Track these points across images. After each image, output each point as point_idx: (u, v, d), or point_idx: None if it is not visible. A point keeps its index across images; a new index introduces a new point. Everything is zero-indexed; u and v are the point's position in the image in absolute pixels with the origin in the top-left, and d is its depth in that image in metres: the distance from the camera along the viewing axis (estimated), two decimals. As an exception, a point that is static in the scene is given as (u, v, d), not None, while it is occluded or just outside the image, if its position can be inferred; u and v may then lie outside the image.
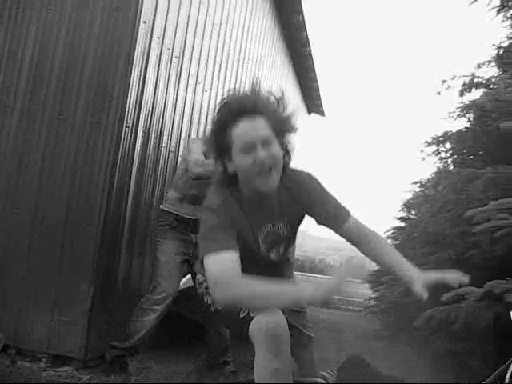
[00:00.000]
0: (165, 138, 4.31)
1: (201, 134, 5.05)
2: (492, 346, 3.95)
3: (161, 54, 4.07)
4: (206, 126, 5.16)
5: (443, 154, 6.28)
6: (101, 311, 3.61)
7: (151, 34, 3.87)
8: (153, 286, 3.58)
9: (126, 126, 3.68)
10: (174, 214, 3.68)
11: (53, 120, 3.73)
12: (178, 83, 4.45)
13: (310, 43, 9.39)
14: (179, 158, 4.60)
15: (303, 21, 8.58)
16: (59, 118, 3.72)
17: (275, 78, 8.50)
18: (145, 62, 3.82)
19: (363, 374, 2.55)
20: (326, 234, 2.68)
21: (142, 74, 3.80)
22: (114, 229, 3.70)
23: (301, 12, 8.36)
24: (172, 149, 4.46)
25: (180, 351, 4.22)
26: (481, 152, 5.37)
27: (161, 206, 3.82)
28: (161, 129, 4.22)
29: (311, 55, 9.87)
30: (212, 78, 5.29)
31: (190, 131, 4.79)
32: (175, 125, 4.48)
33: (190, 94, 4.74)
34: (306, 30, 8.89)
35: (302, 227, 2.33)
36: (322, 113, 14.28)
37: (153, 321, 3.50)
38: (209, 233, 2.01)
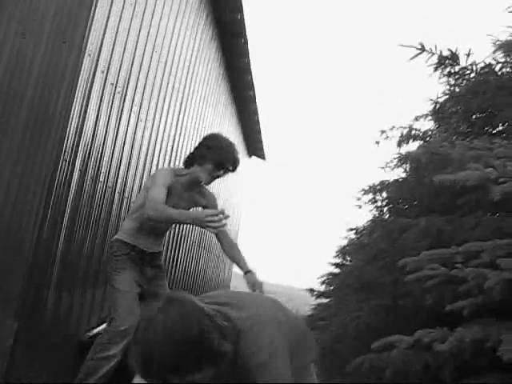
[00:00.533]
0: (102, 174, 4.24)
1: (140, 171, 5.01)
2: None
3: (104, 88, 4.03)
4: (145, 163, 5.12)
5: (379, 203, 6.42)
6: (24, 349, 3.46)
7: (95, 67, 3.84)
8: (111, 318, 3.38)
9: (64, 160, 3.59)
10: (130, 244, 3.55)
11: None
12: (120, 119, 4.41)
13: (255, 87, 9.53)
14: (116, 195, 4.53)
15: (249, 64, 8.71)
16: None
17: (217, 118, 8.55)
18: (87, 95, 3.77)
19: None
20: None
21: (83, 108, 3.75)
22: (43, 266, 3.57)
23: (247, 56, 8.49)
24: (110, 184, 4.39)
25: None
26: (415, 202, 5.51)
27: (115, 236, 3.66)
28: (99, 164, 4.15)
29: (255, 98, 9.99)
30: (154, 116, 5.28)
31: (128, 167, 4.74)
32: (114, 160, 4.42)
33: (131, 130, 4.70)
34: (251, 73, 9.02)
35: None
36: (262, 156, 14.43)
37: (113, 357, 3.26)
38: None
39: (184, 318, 1.66)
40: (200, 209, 3.76)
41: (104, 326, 4.25)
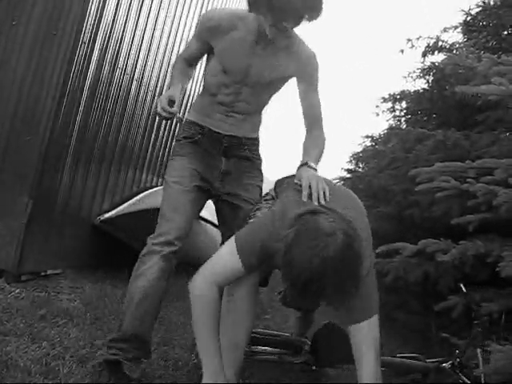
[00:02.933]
0: (121, 60, 4.19)
1: (159, 60, 4.93)
2: (418, 302, 4.11)
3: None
4: (164, 52, 5.04)
5: (398, 112, 6.35)
6: (38, 227, 3.57)
7: None
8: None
9: (83, 42, 3.55)
10: (198, 124, 2.60)
11: (5, 25, 3.57)
12: (141, 6, 4.30)
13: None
14: (134, 82, 4.50)
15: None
16: (12, 24, 3.56)
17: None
18: (109, -24, 3.67)
19: (337, 340, 2.62)
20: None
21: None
22: (59, 145, 3.61)
23: None
24: (128, 71, 4.35)
25: (118, 276, 4.22)
26: (434, 115, 5.45)
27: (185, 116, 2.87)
28: (118, 50, 4.09)
29: None
30: (177, 5, 5.14)
31: (147, 57, 4.66)
32: (133, 48, 4.35)
33: (152, 17, 4.60)
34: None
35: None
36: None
37: (150, 273, 2.33)
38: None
39: (349, 246, 1.69)
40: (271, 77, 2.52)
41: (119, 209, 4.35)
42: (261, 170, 2.71)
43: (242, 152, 2.62)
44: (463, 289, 2.85)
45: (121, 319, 2.39)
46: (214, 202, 2.67)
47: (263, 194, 2.59)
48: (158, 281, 2.34)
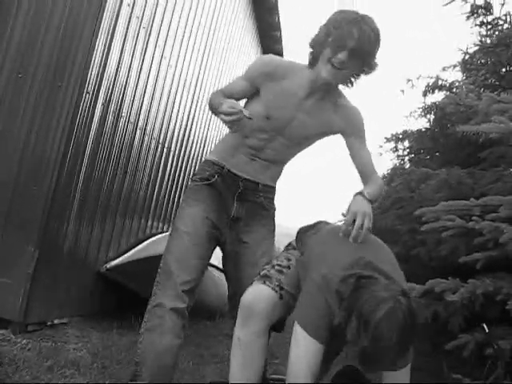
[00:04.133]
0: (125, 109, 4.25)
1: (162, 108, 4.99)
2: (428, 343, 4.06)
3: (129, 22, 3.99)
4: (167, 101, 5.11)
5: (401, 152, 6.40)
6: (44, 276, 3.56)
7: (121, 0, 3.80)
8: (157, 277, 2.43)
9: (87, 92, 3.61)
10: (217, 165, 2.53)
11: (11, 78, 3.64)
12: (144, 54, 4.39)
13: (281, 28, 9.36)
14: (138, 131, 4.55)
15: (276, 3, 8.54)
16: (18, 76, 3.63)
17: (242, 56, 8.46)
18: (112, 28, 3.75)
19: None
20: (280, 220, 2.70)
21: (108, 41, 3.73)
22: (64, 194, 3.63)
23: (275, -4, 8.32)
24: (131, 120, 4.40)
25: (124, 323, 4.19)
26: (437, 153, 5.49)
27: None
28: (122, 99, 4.15)
29: (281, 39, 9.85)
30: (179, 53, 5.23)
31: (151, 105, 4.73)
32: (137, 96, 4.41)
33: (155, 66, 4.68)
34: (278, 13, 8.85)
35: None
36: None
37: (165, 331, 2.30)
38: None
39: (410, 306, 1.73)
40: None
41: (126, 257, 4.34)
42: (274, 219, 2.67)
43: (257, 198, 2.57)
44: (485, 328, 2.81)
45: (136, 369, 2.33)
46: (220, 246, 2.62)
47: (286, 244, 2.57)
48: (174, 338, 2.31)
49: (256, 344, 2.22)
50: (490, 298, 3.02)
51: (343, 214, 2.28)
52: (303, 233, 2.46)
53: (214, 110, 2.42)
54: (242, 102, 2.53)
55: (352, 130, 2.49)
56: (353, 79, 2.41)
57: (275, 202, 2.70)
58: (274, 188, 2.66)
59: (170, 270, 2.35)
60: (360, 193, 2.32)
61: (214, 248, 2.55)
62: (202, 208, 2.46)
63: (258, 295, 2.21)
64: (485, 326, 2.83)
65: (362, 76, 2.41)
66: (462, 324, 3.40)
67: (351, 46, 2.21)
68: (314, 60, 2.35)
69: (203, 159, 2.71)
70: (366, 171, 2.53)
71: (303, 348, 1.97)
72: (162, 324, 2.29)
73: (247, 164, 2.52)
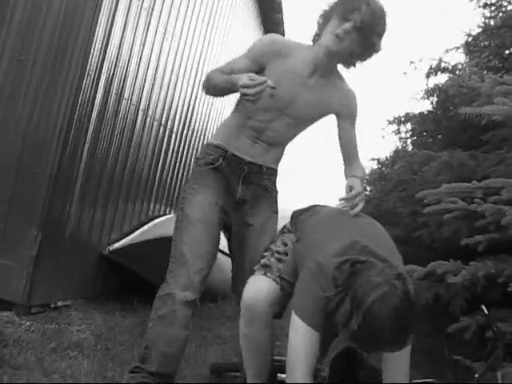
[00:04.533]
0: (127, 91, 4.23)
1: (164, 89, 4.98)
2: (429, 325, 4.07)
3: (130, 4, 3.97)
4: (169, 82, 5.09)
5: (403, 135, 6.38)
6: (47, 259, 3.57)
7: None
8: (169, 265, 2.44)
9: (88, 74, 3.59)
10: (221, 148, 2.52)
11: (12, 61, 3.62)
12: (146, 35, 4.36)
13: (283, 10, 9.30)
14: (140, 113, 4.54)
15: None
16: (20, 60, 3.61)
17: (246, 35, 8.42)
18: (113, 9, 3.72)
19: (356, 365, 2.62)
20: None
21: (109, 22, 3.71)
22: (66, 178, 3.63)
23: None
24: (133, 102, 4.39)
25: (127, 306, 4.22)
26: (439, 136, 5.47)
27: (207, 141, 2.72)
28: (123, 81, 4.13)
29: (283, 22, 9.78)
30: (181, 33, 5.20)
31: (153, 86, 4.71)
32: (139, 78, 4.39)
33: (157, 46, 4.65)
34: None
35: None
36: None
37: (175, 320, 2.34)
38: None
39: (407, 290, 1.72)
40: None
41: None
42: (276, 201, 2.68)
43: (262, 181, 2.57)
44: (485, 310, 2.82)
45: (145, 352, 2.37)
46: (226, 229, 2.63)
47: (281, 227, 2.57)
48: (183, 329, 2.36)
49: (262, 336, 2.32)
50: (492, 280, 3.02)
51: (340, 198, 2.30)
52: (297, 216, 2.47)
53: (216, 87, 2.46)
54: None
55: (347, 112, 2.52)
56: (354, 60, 2.43)
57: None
58: (276, 170, 2.67)
59: (185, 259, 2.36)
60: (354, 176, 2.43)
61: (222, 229, 2.57)
62: (210, 193, 2.46)
63: (260, 291, 2.25)
64: (484, 308, 2.84)
65: (364, 59, 2.43)
66: (464, 306, 3.41)
67: (357, 19, 2.24)
68: (317, 35, 2.39)
69: (205, 143, 2.69)
70: (351, 154, 2.59)
71: (301, 337, 1.99)
72: (173, 315, 2.33)
73: (250, 146, 2.50)
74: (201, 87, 2.63)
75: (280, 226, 2.57)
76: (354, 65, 2.45)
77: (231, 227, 2.59)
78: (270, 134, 2.50)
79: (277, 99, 2.38)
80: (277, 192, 2.68)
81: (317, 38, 2.40)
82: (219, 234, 2.51)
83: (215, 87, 2.47)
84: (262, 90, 2.17)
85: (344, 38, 2.27)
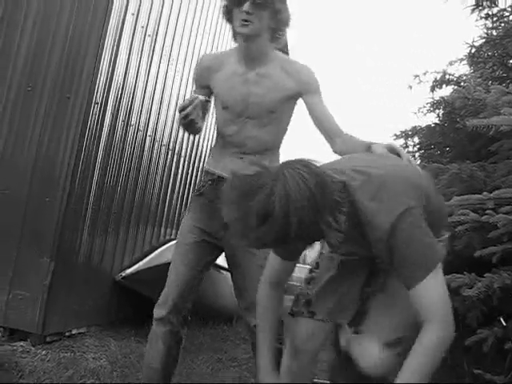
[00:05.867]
0: (134, 117, 4.27)
1: (171, 115, 5.01)
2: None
3: (134, 31, 4.02)
4: (176, 108, 5.12)
5: (411, 148, 6.37)
6: (60, 287, 3.58)
7: (126, 9, 3.82)
8: None
9: (96, 103, 3.63)
10: (210, 172, 2.54)
11: (20, 91, 3.66)
12: (151, 62, 4.40)
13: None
14: (147, 138, 4.57)
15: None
16: (28, 90, 3.65)
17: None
18: (118, 37, 3.77)
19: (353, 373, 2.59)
20: None
21: (115, 51, 3.76)
22: (77, 205, 3.66)
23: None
24: (141, 128, 4.42)
25: (142, 331, 4.20)
26: (447, 148, 5.45)
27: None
28: (130, 107, 4.17)
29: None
30: (185, 59, 5.24)
31: (159, 112, 4.75)
32: (145, 104, 4.43)
33: (162, 73, 4.70)
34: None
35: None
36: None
37: (153, 342, 2.48)
38: None
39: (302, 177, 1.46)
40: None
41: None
42: None
43: None
44: (503, 322, 2.79)
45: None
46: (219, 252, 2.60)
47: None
48: (162, 345, 2.45)
49: (307, 371, 2.24)
50: (508, 291, 2.99)
51: None
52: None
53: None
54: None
55: (306, 88, 2.42)
56: (274, 34, 2.39)
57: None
58: None
59: (167, 282, 2.50)
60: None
61: (215, 254, 2.56)
62: (190, 217, 2.53)
63: (312, 336, 2.14)
64: (502, 320, 2.81)
65: (281, 28, 2.39)
66: (480, 318, 3.37)
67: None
68: (233, 32, 2.42)
69: None
70: (332, 128, 2.41)
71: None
72: (151, 335, 2.49)
73: (236, 164, 2.38)
74: (208, 109, 2.61)
75: None
76: (277, 39, 2.42)
77: (225, 249, 2.53)
78: (250, 144, 2.44)
79: (231, 108, 2.41)
80: None
81: (233, 33, 2.43)
82: (201, 255, 2.49)
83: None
84: (195, 105, 2.16)
85: (250, 18, 2.26)
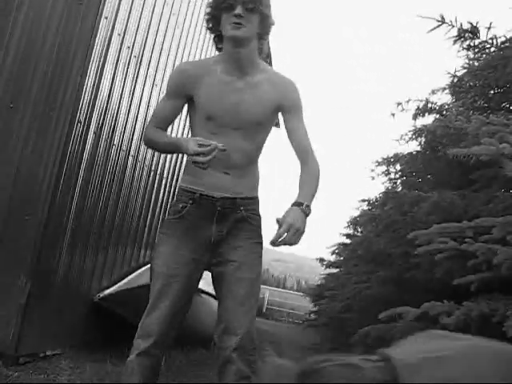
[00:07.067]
0: (117, 137, 4.26)
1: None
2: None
3: (120, 52, 4.03)
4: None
5: (392, 175, 6.42)
6: (36, 307, 3.52)
7: (112, 30, 3.83)
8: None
9: (79, 121, 3.61)
10: (188, 191, 2.38)
11: (2, 108, 3.64)
12: (135, 82, 4.41)
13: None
14: (130, 158, 4.55)
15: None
16: (10, 107, 3.63)
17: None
18: (103, 57, 3.78)
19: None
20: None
21: (99, 70, 3.76)
22: (56, 224, 3.62)
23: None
24: (123, 148, 4.41)
25: (118, 353, 4.14)
26: (429, 176, 5.50)
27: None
28: (113, 127, 4.16)
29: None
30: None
31: (142, 132, 4.74)
32: (128, 124, 4.43)
33: (147, 93, 4.70)
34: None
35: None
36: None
37: (135, 370, 2.30)
38: None
39: None
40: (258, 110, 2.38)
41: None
42: (259, 229, 2.46)
43: (238, 214, 2.38)
44: None
45: None
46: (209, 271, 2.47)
47: None
48: (138, 378, 2.29)
49: None
50: (486, 319, 3.00)
51: (277, 221, 2.09)
52: None
53: (158, 148, 2.55)
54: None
55: (289, 104, 2.41)
56: (260, 40, 2.36)
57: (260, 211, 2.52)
58: (254, 198, 2.48)
59: (148, 310, 2.33)
60: (300, 204, 2.24)
61: (199, 276, 2.44)
62: (172, 244, 2.35)
63: None
64: None
65: (266, 34, 2.37)
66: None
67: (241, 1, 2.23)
68: (216, 38, 2.37)
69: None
70: (302, 149, 2.41)
71: None
72: (129, 365, 2.31)
73: (219, 179, 2.35)
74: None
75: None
76: (261, 46, 2.39)
77: (212, 268, 2.42)
78: (235, 157, 2.34)
79: (217, 118, 2.32)
80: (259, 219, 2.48)
81: (217, 41, 2.38)
82: (189, 280, 2.37)
83: (157, 149, 2.54)
84: (213, 156, 2.14)
85: (242, 21, 2.23)
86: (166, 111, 2.45)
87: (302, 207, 2.22)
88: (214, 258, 2.39)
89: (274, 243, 2.14)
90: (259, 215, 2.49)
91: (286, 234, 2.13)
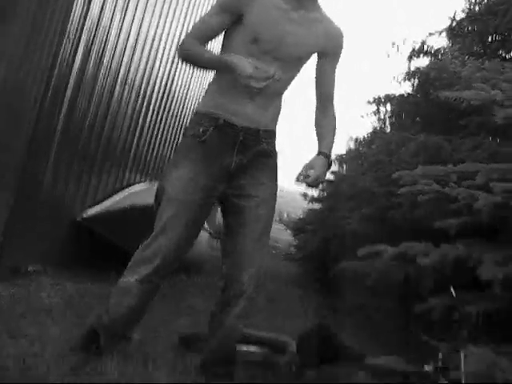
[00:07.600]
0: (107, 56, 4.17)
1: (145, 58, 4.91)
2: (397, 305, 4.13)
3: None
4: (150, 50, 5.02)
5: (382, 115, 6.40)
6: (19, 223, 3.54)
7: None
8: (147, 238, 2.32)
9: (68, 38, 3.54)
10: (211, 116, 2.29)
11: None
12: (127, 5, 4.29)
13: None
14: (118, 80, 4.48)
15: None
16: None
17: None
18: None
19: (324, 341, 2.61)
20: None
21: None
22: (42, 140, 3.59)
23: None
24: (113, 67, 4.33)
25: (99, 274, 4.19)
26: (418, 118, 5.50)
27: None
28: (104, 45, 4.07)
29: None
30: (162, 5, 5.12)
31: (134, 51, 4.65)
32: (120, 43, 4.33)
33: (140, 12, 4.58)
34: None
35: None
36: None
37: (132, 294, 2.32)
38: None
39: None
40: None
41: None
42: (277, 168, 2.44)
43: (260, 146, 2.33)
44: (453, 292, 2.85)
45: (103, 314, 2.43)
46: (219, 203, 2.41)
47: None
48: (129, 308, 2.35)
49: None
50: (461, 263, 3.06)
51: (306, 167, 2.16)
52: None
53: (199, 64, 2.42)
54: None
55: (332, 51, 2.38)
56: None
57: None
58: (274, 132, 2.43)
59: (154, 235, 2.27)
60: (327, 156, 2.32)
61: (211, 207, 2.39)
62: (190, 169, 2.26)
63: None
64: (452, 291, 2.87)
65: None
66: (432, 287, 3.45)
67: None
68: None
69: (194, 111, 2.45)
70: (327, 96, 2.43)
71: None
72: (125, 287, 2.34)
73: (245, 107, 2.25)
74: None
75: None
76: None
77: (227, 200, 2.35)
78: (271, 86, 2.20)
79: (263, 43, 2.22)
80: (277, 155, 2.45)
81: None
82: (203, 211, 2.34)
83: (197, 63, 2.39)
84: (267, 83, 2.09)
85: None
86: (212, 25, 2.28)
87: (329, 160, 2.35)
88: (234, 189, 2.32)
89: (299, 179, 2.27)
90: (277, 151, 2.47)
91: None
